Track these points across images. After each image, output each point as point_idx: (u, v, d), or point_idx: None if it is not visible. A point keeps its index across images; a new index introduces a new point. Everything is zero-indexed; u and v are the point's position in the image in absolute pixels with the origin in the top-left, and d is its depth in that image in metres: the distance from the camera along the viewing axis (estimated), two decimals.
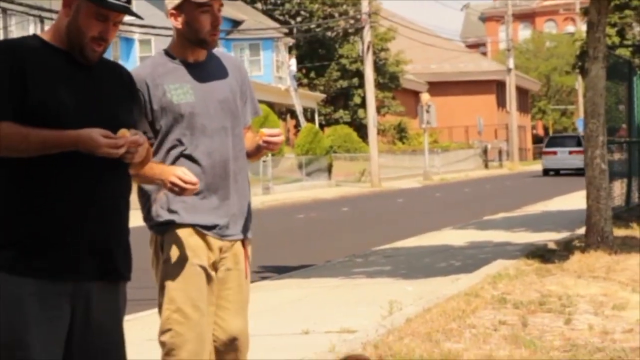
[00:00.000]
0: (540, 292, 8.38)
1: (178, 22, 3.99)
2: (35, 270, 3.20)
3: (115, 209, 3.36)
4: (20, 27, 35.93)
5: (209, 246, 3.99)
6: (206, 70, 4.04)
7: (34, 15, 32.11)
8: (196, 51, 4.03)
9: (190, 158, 3.96)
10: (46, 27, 34.83)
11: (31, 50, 3.29)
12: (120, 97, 3.42)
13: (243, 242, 4.09)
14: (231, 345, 4.05)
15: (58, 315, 3.23)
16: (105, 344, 3.34)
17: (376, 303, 8.25)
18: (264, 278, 11.16)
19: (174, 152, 3.97)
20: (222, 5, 4.01)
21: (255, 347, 6.39)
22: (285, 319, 8.12)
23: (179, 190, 3.82)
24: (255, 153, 4.18)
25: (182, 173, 3.83)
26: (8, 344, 3.18)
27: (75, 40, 3.30)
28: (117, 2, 3.31)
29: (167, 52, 4.07)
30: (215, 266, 4.01)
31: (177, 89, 3.97)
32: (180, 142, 3.96)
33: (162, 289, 3.97)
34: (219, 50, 4.25)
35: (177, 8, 3.99)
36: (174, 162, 3.96)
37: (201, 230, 3.97)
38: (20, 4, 24.88)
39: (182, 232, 3.96)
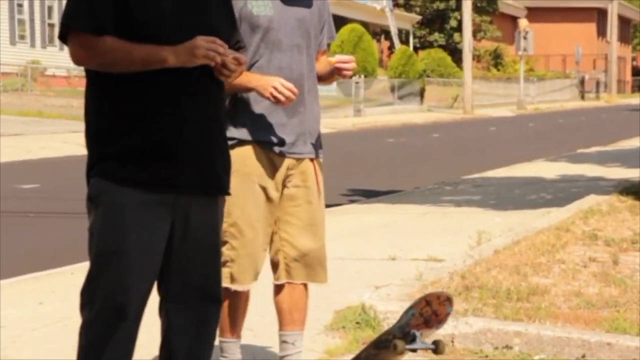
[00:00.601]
0: (632, 230, 8.21)
1: None
2: (136, 181, 3.23)
3: (214, 120, 3.36)
4: None
5: (273, 163, 3.98)
6: None
7: None
8: None
9: (262, 71, 3.95)
10: None
11: None
12: (218, 6, 3.39)
13: (312, 161, 4.07)
14: (301, 261, 4.05)
15: (157, 226, 3.25)
16: (202, 257, 3.37)
17: (464, 232, 8.20)
18: (352, 201, 11.18)
19: (247, 63, 3.90)
20: None
21: (340, 271, 6.43)
22: (372, 244, 8.13)
23: (282, 98, 3.82)
24: (327, 77, 4.17)
25: (282, 80, 3.84)
26: (107, 250, 3.24)
27: None
28: None
29: None
30: (283, 183, 4.01)
31: (258, 1, 3.96)
32: (254, 54, 3.96)
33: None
34: None
35: None
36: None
37: (266, 146, 3.97)
38: None
39: (245, 149, 3.96)
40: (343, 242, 7.99)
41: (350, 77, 4.19)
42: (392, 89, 38.85)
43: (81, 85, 29.52)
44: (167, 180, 3.24)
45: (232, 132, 3.96)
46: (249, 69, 3.91)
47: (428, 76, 42.42)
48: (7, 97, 27.12)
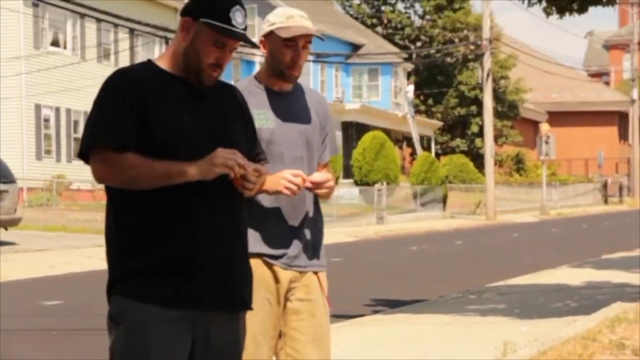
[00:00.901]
0: None
1: (265, 50, 4.09)
2: (158, 298, 3.23)
3: (236, 236, 3.36)
4: (146, 48, 36.87)
5: (276, 277, 4.00)
6: (290, 100, 4.11)
7: (159, 36, 32.93)
8: (279, 81, 4.10)
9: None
10: None
11: (148, 77, 3.32)
12: (236, 120, 3.44)
13: (316, 273, 4.10)
14: None
15: (179, 343, 3.25)
16: None
17: (490, 343, 8.10)
18: (375, 312, 11.10)
19: None
20: (308, 42, 4.07)
21: None
22: (398, 355, 8.04)
23: (295, 188, 3.86)
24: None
25: (289, 171, 3.90)
26: None
27: (192, 65, 3.32)
28: (236, 29, 3.32)
29: (256, 78, 4.16)
30: (286, 297, 4.02)
31: (260, 114, 4.00)
32: None
33: None
34: (306, 85, 4.31)
35: (266, 36, 4.09)
36: None
37: (268, 260, 4.00)
38: (147, 25, 25.51)
39: (250, 262, 4.00)
40: (368, 355, 7.91)
41: (328, 197, 4.13)
42: (415, 196, 38.92)
43: (105, 199, 29.68)
44: (189, 297, 3.24)
45: None
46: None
47: (450, 182, 42.53)
48: (32, 212, 27.33)
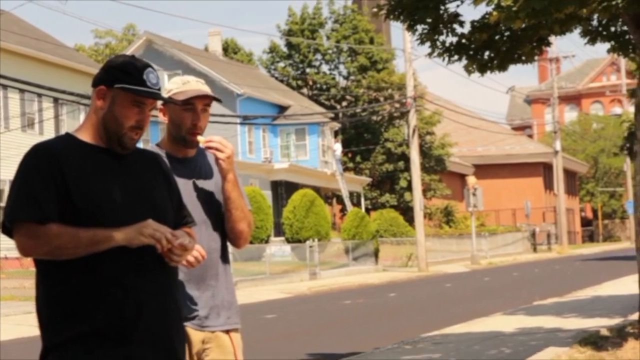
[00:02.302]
0: None
1: (165, 118, 4.12)
2: None
3: (169, 297, 3.37)
4: (72, 116, 36.62)
5: (188, 338, 3.97)
6: (193, 165, 4.14)
7: (84, 104, 32.72)
8: (182, 148, 4.13)
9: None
10: None
11: (67, 150, 3.34)
12: (160, 185, 3.46)
13: (228, 333, 4.10)
14: None
15: None
16: None
17: None
18: None
19: None
20: (207, 105, 4.12)
21: None
22: None
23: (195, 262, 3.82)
24: (228, 194, 4.09)
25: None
26: None
27: (112, 130, 3.36)
28: (152, 89, 3.38)
29: (158, 146, 4.17)
30: (198, 357, 4.02)
31: None
32: None
33: None
34: (202, 148, 4.32)
35: (164, 104, 4.13)
36: None
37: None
38: (72, 94, 25.39)
39: None
40: None
41: (222, 160, 4.08)
42: (347, 251, 39.01)
43: (32, 266, 29.24)
44: None
45: None
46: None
47: (381, 236, 42.73)
48: None
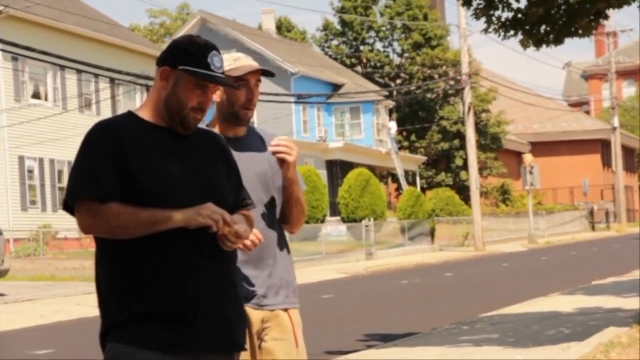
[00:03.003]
0: None
1: (217, 96, 4.08)
2: (152, 344, 3.23)
3: (227, 280, 3.38)
4: (128, 97, 36.94)
5: (247, 317, 3.89)
6: (245, 145, 4.12)
7: (140, 85, 33.00)
8: (234, 126, 4.12)
9: None
10: None
11: (129, 128, 3.35)
12: (219, 166, 3.46)
13: (287, 311, 4.10)
14: None
15: None
16: None
17: None
18: (369, 347, 11.05)
19: None
20: (259, 81, 4.11)
21: None
22: None
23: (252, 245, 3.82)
24: (288, 184, 4.11)
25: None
26: None
27: (175, 112, 3.35)
28: (216, 74, 3.38)
29: (208, 127, 4.11)
30: (260, 337, 4.02)
31: None
32: None
33: None
34: (261, 128, 4.33)
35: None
36: None
37: None
38: (128, 74, 25.58)
39: None
40: None
41: (285, 160, 4.04)
42: (403, 231, 38.93)
43: (92, 246, 29.68)
44: (185, 343, 3.25)
45: None
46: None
47: (437, 216, 42.57)
48: (20, 263, 27.20)
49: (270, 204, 4.10)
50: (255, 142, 4.16)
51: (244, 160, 4.03)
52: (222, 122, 4.13)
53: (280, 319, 4.05)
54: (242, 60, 4.11)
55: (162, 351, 3.22)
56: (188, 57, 3.35)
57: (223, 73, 3.40)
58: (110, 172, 3.26)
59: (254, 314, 3.99)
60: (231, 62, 4.08)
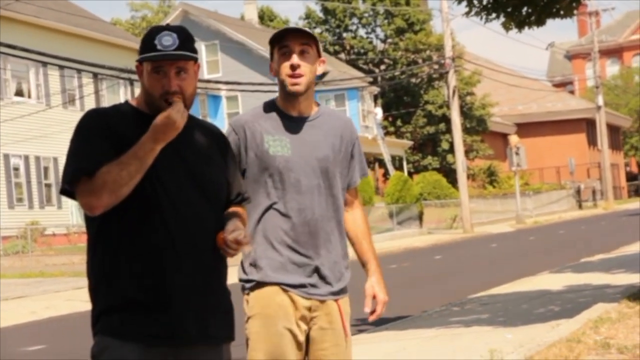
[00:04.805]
0: None
1: (273, 72, 3.95)
2: (136, 336, 3.25)
3: (212, 271, 3.38)
4: (111, 91, 36.82)
5: (295, 305, 3.88)
6: (309, 125, 3.96)
7: (123, 79, 32.92)
8: (297, 103, 3.93)
9: (280, 212, 3.89)
10: (136, 90, 35.75)
11: (122, 115, 3.37)
12: (211, 159, 3.44)
13: (337, 301, 3.97)
14: None
15: None
16: None
17: (476, 352, 8.12)
18: (360, 331, 11.08)
19: (264, 204, 3.90)
20: (305, 44, 3.90)
21: None
22: None
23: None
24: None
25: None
26: None
27: (150, 103, 3.36)
28: (161, 52, 3.31)
29: (274, 104, 4.00)
30: (307, 325, 3.91)
31: (275, 141, 3.90)
32: (271, 195, 3.88)
33: (247, 346, 3.94)
34: (330, 108, 4.17)
35: (271, 59, 3.98)
36: (263, 214, 3.90)
37: (287, 288, 3.87)
38: (111, 68, 25.52)
39: (267, 291, 3.87)
40: None
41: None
42: (391, 215, 38.98)
43: (81, 242, 29.67)
44: (167, 333, 3.25)
45: (252, 274, 3.90)
46: (268, 210, 3.90)
47: (425, 199, 42.65)
48: (9, 261, 27.15)
49: (328, 190, 3.95)
50: (321, 124, 3.98)
51: (306, 142, 3.92)
52: (284, 99, 3.97)
53: (328, 308, 3.93)
54: (282, 28, 3.94)
55: (145, 343, 3.23)
56: (141, 47, 3.36)
57: (175, 49, 3.29)
58: (101, 147, 3.26)
59: (301, 302, 3.88)
60: (274, 33, 3.95)
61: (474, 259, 23.15)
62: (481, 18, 11.39)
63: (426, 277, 18.97)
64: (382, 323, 11.62)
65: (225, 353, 3.42)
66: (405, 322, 11.50)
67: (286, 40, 3.90)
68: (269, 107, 4.00)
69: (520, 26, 11.46)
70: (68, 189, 3.30)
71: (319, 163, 3.92)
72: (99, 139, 3.28)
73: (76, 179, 3.26)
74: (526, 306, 11.92)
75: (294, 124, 3.94)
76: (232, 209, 3.50)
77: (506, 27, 11.46)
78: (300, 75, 3.88)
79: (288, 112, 3.96)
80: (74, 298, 18.30)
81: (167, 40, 3.29)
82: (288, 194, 3.87)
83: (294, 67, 3.88)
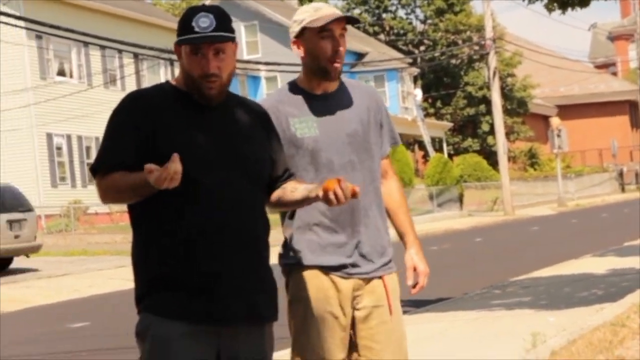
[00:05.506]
0: None
1: (300, 51, 3.89)
2: (181, 314, 3.27)
3: (256, 251, 3.38)
4: (152, 71, 36.98)
5: (336, 287, 3.82)
6: (334, 102, 3.91)
7: (164, 59, 33.03)
8: (322, 82, 3.90)
9: None
10: (176, 71, 35.76)
11: (159, 98, 3.38)
12: (253, 136, 3.43)
13: (382, 277, 3.89)
14: None
15: (203, 358, 3.28)
16: None
17: (518, 335, 8.08)
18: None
19: None
20: (344, 29, 3.87)
21: None
22: (425, 354, 8.02)
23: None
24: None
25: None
26: None
27: (190, 85, 3.36)
28: (199, 34, 3.30)
29: (295, 84, 3.95)
30: (351, 306, 3.85)
31: (301, 123, 3.85)
32: (305, 177, 3.80)
33: (290, 330, 3.92)
34: (351, 80, 4.12)
35: (299, 36, 3.89)
36: None
37: (328, 270, 3.82)
38: (152, 48, 25.60)
39: (306, 274, 3.82)
40: None
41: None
42: (431, 197, 38.88)
43: (122, 220, 29.90)
44: (211, 312, 3.27)
45: (291, 257, 3.86)
46: None
47: (465, 181, 42.46)
48: (52, 239, 27.45)
49: (361, 165, 3.88)
50: (345, 98, 3.93)
51: (333, 120, 3.87)
52: (309, 78, 3.91)
53: (372, 286, 3.87)
54: (322, 10, 3.86)
55: (189, 321, 3.25)
56: (179, 28, 3.36)
57: (212, 31, 3.29)
58: (130, 144, 3.29)
59: (343, 284, 3.82)
60: (312, 12, 3.86)
61: (515, 241, 23.03)
62: None
63: (467, 259, 18.91)
64: (422, 305, 11.61)
65: (268, 332, 3.44)
66: (446, 304, 11.48)
67: (329, 24, 3.85)
68: (291, 88, 3.95)
69: (563, 7, 11.34)
70: (93, 175, 3.41)
71: (349, 138, 3.87)
72: (129, 131, 3.30)
73: (94, 172, 3.36)
74: (569, 289, 11.84)
75: (319, 102, 3.90)
76: (290, 183, 3.50)
77: (549, 8, 11.35)
78: (341, 58, 3.88)
79: (312, 91, 3.91)
80: (116, 276, 18.47)
81: (204, 22, 3.29)
82: (321, 174, 3.80)
83: (338, 51, 3.86)
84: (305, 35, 3.87)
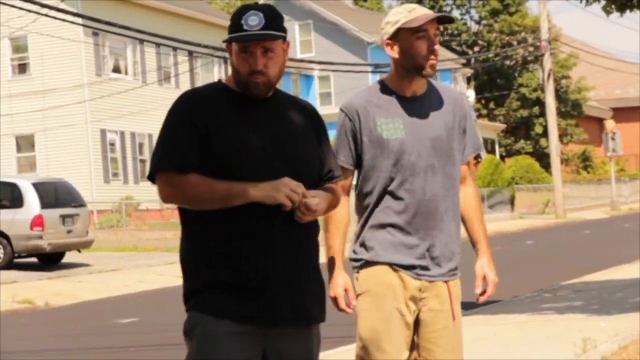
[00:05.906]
0: None
1: (394, 52, 3.91)
2: (228, 313, 3.27)
3: (304, 252, 3.38)
4: (206, 69, 37.20)
5: (405, 285, 3.87)
6: (422, 104, 3.93)
7: (218, 57, 33.20)
8: (414, 82, 3.93)
9: (393, 195, 3.88)
10: (230, 69, 35.84)
11: (213, 97, 3.39)
12: (303, 135, 3.43)
13: (447, 283, 3.93)
14: None
15: (249, 356, 3.28)
16: None
17: (569, 340, 8.00)
18: None
19: (379, 187, 3.90)
20: (438, 29, 3.91)
21: None
22: (475, 356, 7.96)
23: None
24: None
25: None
26: None
27: (238, 80, 3.37)
28: (248, 32, 3.31)
29: (384, 84, 3.98)
30: (416, 305, 3.89)
31: (388, 124, 3.89)
32: (387, 179, 3.88)
33: (356, 324, 3.95)
34: (440, 83, 4.14)
35: (393, 37, 3.92)
36: (378, 198, 3.90)
37: (397, 268, 3.87)
38: (206, 46, 25.73)
39: (376, 270, 3.88)
40: None
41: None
42: (482, 199, 38.64)
43: (173, 217, 30.10)
44: (259, 313, 3.27)
45: (362, 253, 3.92)
46: (383, 193, 3.90)
47: (517, 183, 42.14)
48: (103, 234, 27.72)
49: (442, 170, 3.91)
50: (433, 101, 3.97)
51: (419, 123, 3.90)
52: (401, 78, 3.94)
53: (438, 290, 3.91)
54: (416, 11, 3.90)
55: (237, 320, 3.26)
56: (230, 26, 3.38)
57: (260, 29, 3.30)
58: (191, 142, 3.29)
59: (412, 283, 3.87)
60: (405, 13, 3.90)
61: (567, 245, 22.80)
62: (581, 1, 11.16)
63: (517, 261, 18.76)
64: (472, 307, 11.53)
65: (315, 333, 3.43)
66: (496, 307, 11.39)
67: (424, 25, 3.88)
68: (381, 88, 3.97)
69: (621, 9, 11.19)
70: (153, 174, 3.36)
71: (432, 143, 3.90)
72: (187, 129, 3.30)
73: (160, 169, 3.31)
74: (621, 294, 11.69)
75: (407, 104, 3.92)
76: (324, 185, 3.48)
77: (607, 10, 11.21)
78: (436, 56, 3.92)
79: (402, 92, 3.94)
80: (166, 273, 18.59)
81: (253, 20, 3.30)
82: (402, 177, 3.86)
83: (433, 50, 3.89)
84: (400, 36, 3.90)
